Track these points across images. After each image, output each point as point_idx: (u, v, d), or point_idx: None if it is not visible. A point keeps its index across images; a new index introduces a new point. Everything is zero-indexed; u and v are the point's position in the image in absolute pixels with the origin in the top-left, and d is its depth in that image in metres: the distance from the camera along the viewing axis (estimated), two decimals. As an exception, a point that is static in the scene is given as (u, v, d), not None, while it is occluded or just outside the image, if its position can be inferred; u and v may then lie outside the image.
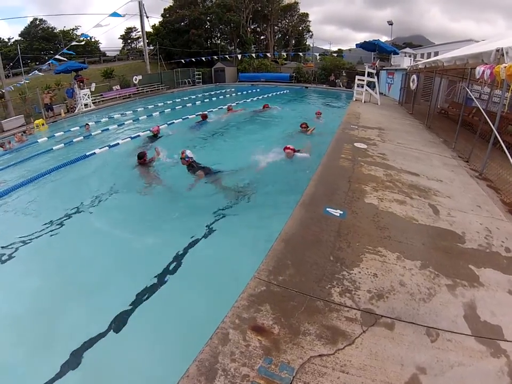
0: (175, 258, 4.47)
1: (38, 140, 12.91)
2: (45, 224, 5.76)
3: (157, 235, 5.20)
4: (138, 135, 11.37)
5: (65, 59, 18.20)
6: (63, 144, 11.39)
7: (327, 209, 4.13)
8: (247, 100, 18.62)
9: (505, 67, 5.12)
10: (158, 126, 11.30)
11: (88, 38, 38.05)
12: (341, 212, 4.07)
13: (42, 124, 15.67)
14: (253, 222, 5.33)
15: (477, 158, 6.93)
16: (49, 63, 17.92)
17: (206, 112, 13.80)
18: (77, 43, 16.98)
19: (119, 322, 3.55)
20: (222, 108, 16.13)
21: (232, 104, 16.42)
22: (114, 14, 15.80)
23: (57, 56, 17.42)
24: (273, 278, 2.89)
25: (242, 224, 5.35)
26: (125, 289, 4.06)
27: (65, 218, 5.97)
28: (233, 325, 2.42)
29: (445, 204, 4.66)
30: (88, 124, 14.51)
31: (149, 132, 11.21)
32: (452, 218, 4.24)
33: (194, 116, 14.00)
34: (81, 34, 17.80)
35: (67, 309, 3.87)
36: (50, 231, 5.60)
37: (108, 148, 10.04)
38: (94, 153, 9.56)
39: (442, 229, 3.95)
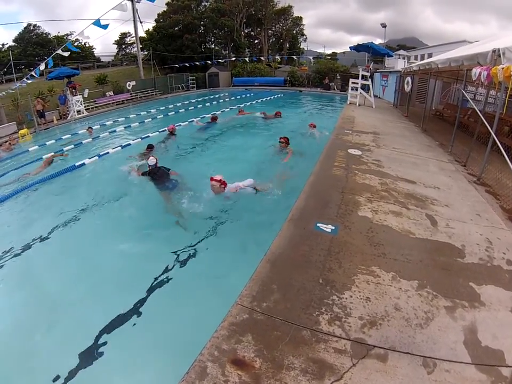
0: (153, 281, 4.18)
1: (29, 149, 12.67)
2: (28, 237, 5.53)
3: (141, 251, 4.94)
4: (129, 144, 11.11)
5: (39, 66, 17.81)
6: (53, 153, 11.12)
7: (318, 224, 3.88)
8: (241, 105, 18.39)
9: (502, 68, 4.94)
10: (173, 125, 11.91)
11: (82, 44, 38.10)
12: (333, 227, 3.83)
13: (27, 134, 15.38)
14: (236, 243, 5.02)
15: (474, 161, 6.73)
16: (33, 73, 17.63)
17: (216, 115, 14.22)
18: (61, 52, 16.63)
19: (94, 348, 3.32)
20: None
21: (244, 105, 16.35)
22: (97, 23, 15.47)
23: (42, 65, 17.10)
24: (257, 304, 2.65)
25: (225, 244, 5.03)
26: (101, 310, 3.82)
27: (49, 231, 5.73)
28: (212, 358, 2.20)
29: (443, 213, 4.43)
30: (91, 128, 14.36)
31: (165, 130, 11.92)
32: (450, 229, 4.00)
33: (187, 123, 13.79)
34: (68, 42, 17.39)
35: (49, 325, 3.68)
36: (34, 244, 5.37)
37: (97, 157, 9.77)
38: (84, 163, 9.30)
39: (440, 242, 3.71)
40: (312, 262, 3.22)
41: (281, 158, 8.23)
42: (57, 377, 3.01)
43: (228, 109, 17.32)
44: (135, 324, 3.54)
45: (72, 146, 11.90)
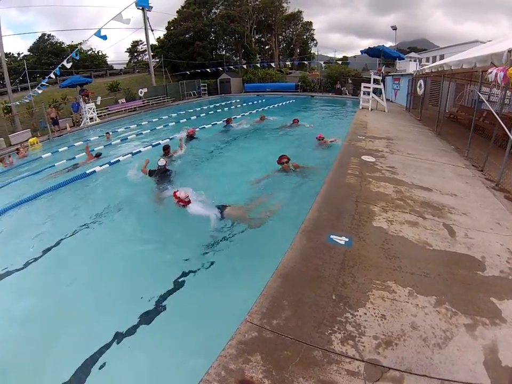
0: (160, 294, 4.11)
1: (42, 156, 12.89)
2: (41, 245, 5.60)
3: (154, 261, 4.91)
4: (140, 151, 11.16)
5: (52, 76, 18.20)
6: (65, 160, 11.27)
7: (331, 236, 3.74)
8: (253, 111, 18.38)
9: (520, 69, 4.76)
10: (194, 128, 12.75)
11: (95, 52, 38.86)
12: (347, 239, 3.68)
13: (36, 142, 15.63)
14: (246, 255, 4.90)
15: (492, 166, 6.48)
16: (43, 83, 18.09)
17: (231, 118, 14.94)
18: (65, 63, 16.96)
19: (102, 356, 3.30)
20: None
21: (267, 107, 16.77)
22: (98, 34, 15.85)
23: (51, 75, 17.52)
24: (267, 322, 2.54)
25: (235, 257, 4.90)
26: (109, 319, 3.82)
27: (61, 239, 5.79)
28: (219, 378, 2.10)
29: (461, 222, 4.24)
30: (108, 133, 14.84)
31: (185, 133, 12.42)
32: (469, 240, 3.82)
33: (198, 129, 13.82)
34: (72, 53, 17.79)
35: (60, 333, 3.67)
36: (46, 252, 5.43)
37: (108, 165, 9.82)
38: (94, 171, 9.35)
39: (459, 254, 3.53)
40: (325, 276, 3.08)
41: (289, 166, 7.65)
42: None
43: (240, 115, 17.32)
44: (140, 337, 3.49)
45: (84, 153, 12.03)
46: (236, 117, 16.52)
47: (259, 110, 18.97)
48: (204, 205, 5.87)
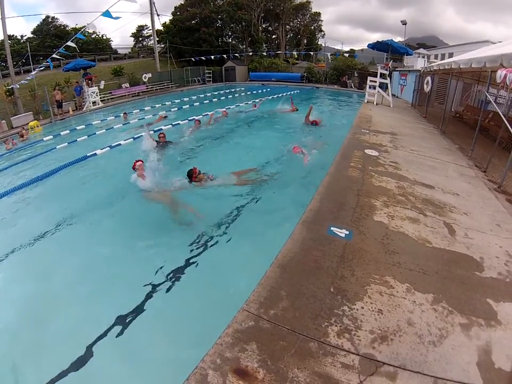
0: (164, 277, 4.11)
1: (44, 138, 12.83)
2: (40, 228, 5.55)
3: (152, 247, 4.85)
4: (141, 135, 11.09)
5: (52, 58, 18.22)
6: (66, 143, 11.23)
7: (332, 228, 3.73)
8: (256, 100, 18.24)
9: (530, 72, 4.71)
10: (225, 110, 14.16)
11: (100, 36, 38.48)
12: (347, 232, 3.68)
13: (37, 126, 15.52)
14: (249, 240, 4.87)
15: (495, 167, 6.45)
16: (37, 69, 18.05)
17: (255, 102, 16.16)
18: (71, 44, 16.85)
19: (97, 343, 3.29)
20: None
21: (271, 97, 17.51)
22: (107, 14, 15.52)
23: (54, 55, 17.48)
24: (264, 311, 2.55)
25: (235, 244, 4.84)
26: (111, 307, 3.76)
27: (61, 223, 5.73)
28: (214, 365, 2.12)
29: (462, 222, 4.22)
30: (125, 113, 15.36)
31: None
32: (469, 240, 3.81)
33: (202, 116, 13.74)
34: (78, 33, 17.67)
35: (57, 318, 3.66)
36: (45, 236, 5.39)
37: (109, 148, 9.79)
38: (95, 154, 9.33)
39: (458, 253, 3.52)
40: (324, 268, 3.09)
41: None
42: (62, 369, 3.02)
43: (243, 104, 17.20)
44: (136, 324, 3.48)
45: (86, 137, 11.98)
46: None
47: (262, 99, 18.80)
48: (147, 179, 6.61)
